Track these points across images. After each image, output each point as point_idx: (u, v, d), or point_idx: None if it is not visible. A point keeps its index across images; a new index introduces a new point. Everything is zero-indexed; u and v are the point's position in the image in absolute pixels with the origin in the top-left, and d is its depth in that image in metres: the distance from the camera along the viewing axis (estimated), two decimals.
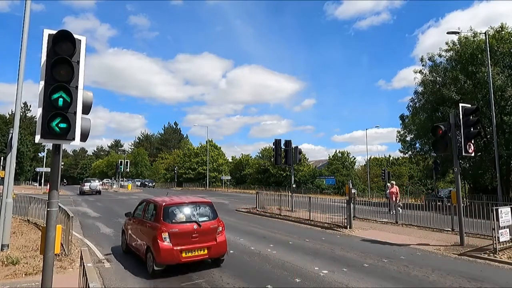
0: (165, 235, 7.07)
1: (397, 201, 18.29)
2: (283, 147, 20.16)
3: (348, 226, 13.19)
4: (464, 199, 15.42)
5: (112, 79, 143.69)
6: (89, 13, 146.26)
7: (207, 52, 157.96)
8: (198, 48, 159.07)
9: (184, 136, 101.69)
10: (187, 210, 7.74)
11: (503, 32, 23.69)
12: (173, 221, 7.39)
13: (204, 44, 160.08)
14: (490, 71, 20.48)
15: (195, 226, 7.36)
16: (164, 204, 7.61)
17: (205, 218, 7.72)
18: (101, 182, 42.38)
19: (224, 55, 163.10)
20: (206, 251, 7.38)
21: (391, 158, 68.28)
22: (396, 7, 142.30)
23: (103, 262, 8.21)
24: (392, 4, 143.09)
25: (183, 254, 7.12)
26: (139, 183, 61.81)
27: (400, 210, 17.67)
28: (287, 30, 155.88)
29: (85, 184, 37.20)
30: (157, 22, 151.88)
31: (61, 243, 7.87)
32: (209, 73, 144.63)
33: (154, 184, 67.51)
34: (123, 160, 48.20)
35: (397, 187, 19.31)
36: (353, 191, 14.05)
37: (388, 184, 19.97)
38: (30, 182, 66.66)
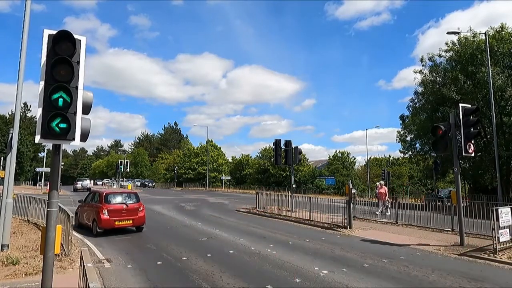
0: (105, 210, 11.69)
1: (386, 202, 18.40)
2: (283, 147, 20.16)
3: (348, 226, 13.19)
4: (464, 199, 15.43)
5: (112, 79, 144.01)
6: (90, 14, 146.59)
7: (208, 52, 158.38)
8: (199, 48, 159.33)
9: (184, 136, 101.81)
10: (119, 197, 12.52)
11: (503, 32, 23.68)
12: (110, 203, 12.04)
13: (205, 44, 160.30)
14: (490, 71, 20.48)
15: (124, 206, 12.13)
16: (104, 192, 12.53)
17: (131, 201, 12.46)
18: (91, 181, 52.33)
19: (225, 55, 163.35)
20: (131, 222, 12.14)
21: (391, 158, 68.33)
22: (396, 7, 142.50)
23: (103, 262, 8.21)
24: (392, 4, 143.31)
25: (116, 223, 11.76)
26: (139, 183, 61.85)
27: (388, 212, 17.71)
28: (288, 30, 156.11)
29: (78, 182, 46.59)
30: (157, 22, 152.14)
31: (61, 243, 7.87)
32: (209, 73, 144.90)
33: (154, 184, 67.52)
34: (123, 160, 48.10)
35: (386, 188, 19.26)
36: (353, 191, 14.05)
37: (378, 183, 19.80)
38: (30, 182, 66.69)
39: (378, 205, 18.61)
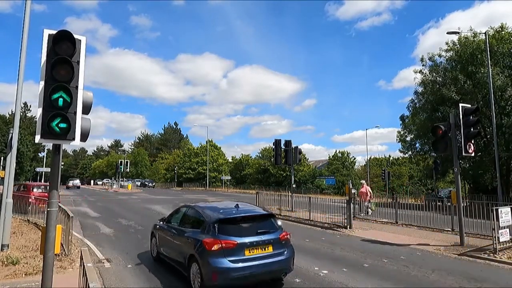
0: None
1: (368, 202, 17.76)
2: (283, 147, 20.16)
3: (348, 226, 13.19)
4: (464, 199, 15.42)
5: (113, 79, 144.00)
6: (91, 14, 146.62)
7: (208, 52, 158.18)
8: (199, 48, 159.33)
9: (184, 136, 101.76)
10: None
11: (503, 32, 23.70)
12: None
13: (205, 44, 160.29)
14: (490, 71, 20.47)
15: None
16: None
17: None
18: (79, 181, 61.48)
19: (225, 55, 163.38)
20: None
21: (391, 158, 68.31)
22: (397, 8, 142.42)
23: (103, 262, 8.21)
24: (393, 5, 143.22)
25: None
26: (139, 183, 61.87)
27: (370, 212, 17.42)
28: (288, 31, 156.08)
29: (69, 181, 56.14)
30: (158, 22, 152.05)
31: (61, 243, 7.87)
32: (210, 73, 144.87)
33: (154, 184, 67.52)
34: (123, 160, 48.26)
35: (367, 187, 18.53)
36: (353, 191, 14.04)
37: (363, 181, 19.35)
38: (30, 182, 66.82)
39: (360, 206, 17.63)
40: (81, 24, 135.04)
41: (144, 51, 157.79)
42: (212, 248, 5.79)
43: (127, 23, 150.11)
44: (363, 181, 19.46)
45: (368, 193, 17.94)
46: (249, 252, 5.94)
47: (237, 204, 6.96)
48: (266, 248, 6.12)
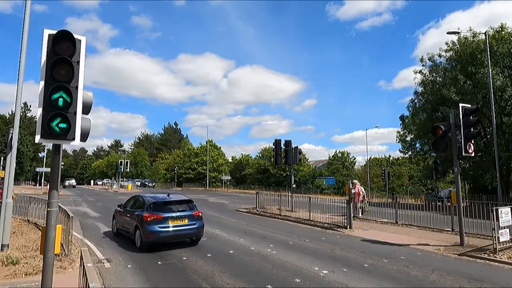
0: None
1: (361, 202, 16.92)
2: (283, 147, 20.16)
3: (348, 226, 13.19)
4: (464, 199, 15.41)
5: (113, 79, 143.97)
6: (91, 14, 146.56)
7: (209, 52, 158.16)
8: (200, 48, 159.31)
9: (184, 136, 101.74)
10: None
11: (503, 32, 23.67)
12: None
13: (206, 44, 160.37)
14: (490, 71, 20.47)
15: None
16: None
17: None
18: (74, 181, 66.49)
19: (226, 56, 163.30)
20: None
21: (391, 158, 68.22)
22: (397, 8, 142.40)
23: (103, 262, 8.21)
24: (394, 5, 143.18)
25: None
26: (139, 183, 61.87)
27: (360, 214, 16.54)
28: (289, 31, 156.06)
29: (66, 181, 60.12)
30: (159, 22, 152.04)
31: (61, 243, 7.87)
32: (211, 73, 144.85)
33: (154, 184, 67.50)
34: (123, 160, 48.22)
35: (360, 187, 17.35)
36: (353, 191, 14.03)
37: (355, 181, 18.11)
38: (31, 182, 66.90)
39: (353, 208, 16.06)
40: (81, 24, 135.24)
41: (144, 51, 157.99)
42: (148, 219, 9.32)
43: (127, 23, 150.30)
44: (356, 181, 18.35)
45: (361, 193, 17.08)
46: (172, 222, 9.52)
47: (168, 194, 10.90)
48: (183, 220, 9.74)
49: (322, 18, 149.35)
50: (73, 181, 63.57)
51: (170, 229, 9.40)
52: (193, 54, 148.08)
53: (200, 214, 10.24)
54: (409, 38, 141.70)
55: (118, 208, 11.70)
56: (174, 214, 9.65)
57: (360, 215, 16.59)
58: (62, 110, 4.34)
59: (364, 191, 17.99)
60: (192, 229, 9.83)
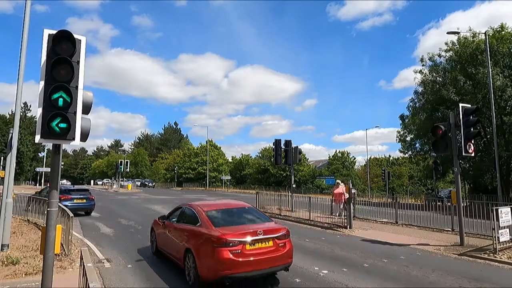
0: None
1: (340, 203, 15.47)
2: (283, 147, 20.15)
3: (348, 226, 13.18)
4: (464, 199, 15.39)
5: (114, 80, 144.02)
6: (92, 14, 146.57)
7: (210, 52, 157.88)
8: (201, 48, 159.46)
9: (184, 136, 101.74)
10: None
11: (503, 32, 23.66)
12: None
13: (207, 45, 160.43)
14: (490, 71, 20.46)
15: None
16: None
17: None
18: (66, 180, 70.46)
19: (227, 55, 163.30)
20: None
21: (391, 158, 68.26)
22: (398, 8, 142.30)
23: (103, 262, 8.21)
24: (394, 5, 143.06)
25: None
26: (139, 183, 61.83)
27: (342, 215, 14.79)
28: (289, 31, 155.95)
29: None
30: (160, 22, 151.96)
31: (61, 243, 7.87)
32: (211, 73, 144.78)
33: (154, 184, 67.50)
34: (123, 160, 48.21)
35: (342, 187, 15.79)
36: (353, 191, 14.02)
37: (338, 181, 17.09)
38: (31, 182, 66.79)
39: (335, 209, 16.03)
40: (82, 24, 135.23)
41: (145, 51, 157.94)
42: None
43: (128, 23, 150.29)
44: (339, 181, 17.23)
45: (344, 195, 15.11)
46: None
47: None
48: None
49: (322, 18, 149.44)
50: (64, 181, 67.34)
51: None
52: (194, 54, 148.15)
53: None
54: (410, 38, 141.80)
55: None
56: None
57: (338, 216, 15.06)
58: (62, 110, 4.34)
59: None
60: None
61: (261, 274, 6.13)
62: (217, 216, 6.81)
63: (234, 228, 6.35)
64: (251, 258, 5.88)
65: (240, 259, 5.77)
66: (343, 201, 15.24)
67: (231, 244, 5.80)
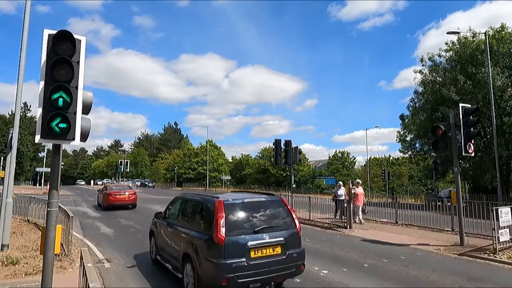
0: None
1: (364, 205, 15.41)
2: (283, 147, 20.10)
3: (348, 226, 13.18)
4: (464, 199, 15.39)
5: (114, 80, 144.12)
6: (94, 14, 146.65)
7: (211, 53, 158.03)
8: (202, 49, 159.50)
9: (184, 136, 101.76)
10: None
11: (503, 32, 23.65)
12: None
13: (208, 45, 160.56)
14: (490, 71, 20.45)
15: None
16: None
17: None
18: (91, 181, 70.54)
19: (228, 56, 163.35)
20: None
21: (391, 158, 68.18)
22: (399, 9, 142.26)
23: (103, 262, 8.21)
24: (395, 6, 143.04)
25: None
26: (139, 183, 61.85)
27: (357, 219, 14.45)
28: (290, 31, 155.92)
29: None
30: (161, 23, 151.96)
31: (61, 243, 7.86)
32: (212, 73, 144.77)
33: (154, 184, 67.52)
34: (123, 160, 48.15)
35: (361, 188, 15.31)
36: (353, 191, 14.03)
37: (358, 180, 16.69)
38: (30, 182, 66.76)
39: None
40: (84, 24, 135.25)
41: (146, 51, 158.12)
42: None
43: (130, 23, 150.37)
44: (359, 180, 17.16)
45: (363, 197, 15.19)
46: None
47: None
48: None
49: (323, 19, 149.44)
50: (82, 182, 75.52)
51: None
52: (194, 54, 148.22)
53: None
54: (410, 38, 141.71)
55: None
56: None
57: (357, 221, 14.36)
58: (62, 110, 4.33)
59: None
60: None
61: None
62: None
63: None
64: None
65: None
66: (363, 202, 15.25)
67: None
